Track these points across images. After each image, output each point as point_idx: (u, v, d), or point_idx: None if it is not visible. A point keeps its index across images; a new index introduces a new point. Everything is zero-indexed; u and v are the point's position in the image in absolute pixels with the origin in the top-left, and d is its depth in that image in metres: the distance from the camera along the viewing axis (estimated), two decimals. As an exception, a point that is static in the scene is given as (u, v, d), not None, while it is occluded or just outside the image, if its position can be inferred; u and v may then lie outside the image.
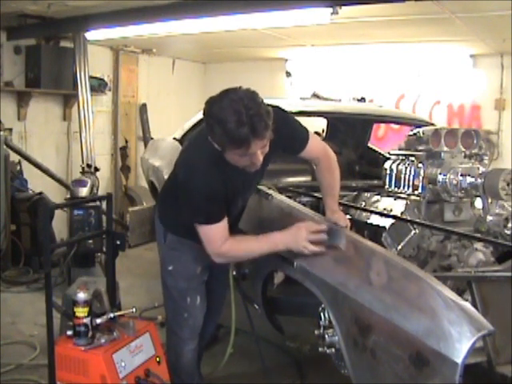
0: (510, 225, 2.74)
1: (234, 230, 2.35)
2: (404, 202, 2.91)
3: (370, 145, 4.62)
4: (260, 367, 3.13)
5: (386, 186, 3.07)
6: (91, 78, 6.09)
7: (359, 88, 6.82)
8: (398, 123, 5.07)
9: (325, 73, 7.45)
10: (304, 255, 2.23)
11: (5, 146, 5.14)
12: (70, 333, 2.35)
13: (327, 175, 2.46)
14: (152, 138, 6.60)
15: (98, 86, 6.50)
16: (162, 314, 3.08)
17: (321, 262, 2.23)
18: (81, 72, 5.85)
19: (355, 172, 4.40)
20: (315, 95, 4.77)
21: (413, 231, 2.72)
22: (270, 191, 2.83)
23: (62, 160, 6.42)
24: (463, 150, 2.90)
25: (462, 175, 2.77)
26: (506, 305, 2.07)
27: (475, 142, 2.93)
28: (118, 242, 2.75)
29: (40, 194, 5.39)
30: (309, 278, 2.26)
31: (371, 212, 2.92)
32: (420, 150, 2.92)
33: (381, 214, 2.83)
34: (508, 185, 2.66)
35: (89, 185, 5.00)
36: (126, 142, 7.25)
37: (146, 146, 6.69)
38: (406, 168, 2.95)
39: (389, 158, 3.18)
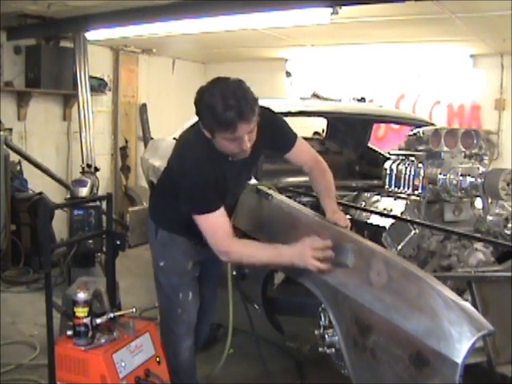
0: (509, 225, 2.74)
1: None
2: (404, 202, 2.91)
3: (370, 145, 4.62)
4: (260, 367, 3.14)
5: (386, 186, 3.07)
6: (91, 77, 6.09)
7: (359, 88, 6.81)
8: (398, 123, 5.06)
9: (325, 73, 7.45)
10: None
11: (5, 146, 5.15)
12: (69, 333, 2.34)
13: (321, 179, 2.50)
14: (152, 138, 6.59)
15: (98, 85, 6.50)
16: (161, 314, 3.08)
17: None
18: (81, 72, 5.86)
19: (355, 172, 4.40)
20: (315, 95, 4.77)
21: (413, 231, 2.72)
22: (270, 191, 2.83)
23: (62, 160, 6.42)
24: (463, 149, 2.90)
25: (461, 175, 2.77)
26: (506, 305, 2.07)
27: (475, 141, 2.93)
28: (118, 242, 2.75)
29: (40, 194, 5.39)
30: (309, 278, 2.25)
31: (371, 212, 2.92)
32: (420, 150, 2.92)
33: (381, 214, 2.83)
34: (508, 185, 2.65)
35: (89, 185, 5.00)
36: (126, 141, 7.25)
37: (145, 146, 6.69)
38: (406, 168, 2.95)
39: (389, 158, 3.18)
